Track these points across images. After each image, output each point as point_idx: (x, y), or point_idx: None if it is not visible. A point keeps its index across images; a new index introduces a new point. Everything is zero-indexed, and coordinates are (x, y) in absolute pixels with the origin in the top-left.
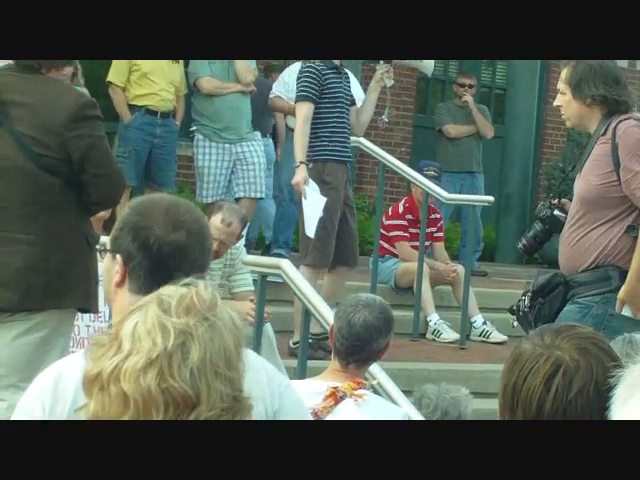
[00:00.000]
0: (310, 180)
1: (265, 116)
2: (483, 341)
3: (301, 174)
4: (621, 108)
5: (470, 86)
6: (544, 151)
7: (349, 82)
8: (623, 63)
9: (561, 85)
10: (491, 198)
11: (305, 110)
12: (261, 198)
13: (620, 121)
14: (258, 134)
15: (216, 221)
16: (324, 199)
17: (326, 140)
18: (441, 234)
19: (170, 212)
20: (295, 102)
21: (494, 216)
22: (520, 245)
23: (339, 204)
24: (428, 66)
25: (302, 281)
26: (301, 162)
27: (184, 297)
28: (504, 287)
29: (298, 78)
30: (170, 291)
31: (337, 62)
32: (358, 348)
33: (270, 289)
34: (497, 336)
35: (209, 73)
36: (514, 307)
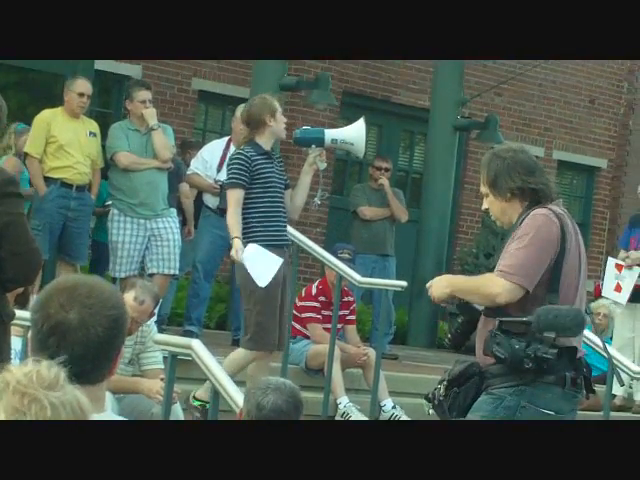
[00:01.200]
0: (255, 245)
1: (173, 192)
2: None
3: (235, 246)
4: (540, 197)
5: (386, 169)
6: (458, 237)
7: (282, 166)
8: (539, 152)
9: (482, 188)
10: (404, 283)
11: (236, 195)
12: (174, 275)
13: (534, 209)
14: (174, 211)
15: (129, 298)
16: (278, 259)
17: (258, 226)
18: (353, 317)
19: (67, 292)
20: (226, 189)
21: (407, 299)
22: (446, 340)
23: (277, 289)
24: (359, 147)
25: (212, 361)
26: (236, 237)
27: (25, 375)
28: (415, 371)
29: (228, 165)
30: (13, 369)
31: (268, 148)
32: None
33: (181, 366)
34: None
35: (127, 148)
36: (430, 395)
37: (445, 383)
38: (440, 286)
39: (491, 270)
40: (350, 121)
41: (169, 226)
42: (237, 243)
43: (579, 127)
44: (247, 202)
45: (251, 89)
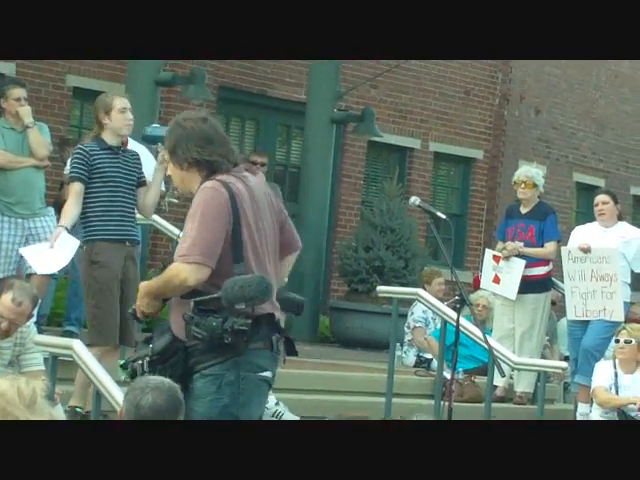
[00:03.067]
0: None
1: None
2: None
3: (56, 232)
4: (216, 168)
5: (262, 164)
6: (338, 230)
7: (134, 162)
8: (416, 143)
9: (166, 156)
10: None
11: (75, 188)
12: (53, 275)
13: (205, 181)
14: (51, 210)
15: (6, 300)
16: (73, 243)
17: (95, 219)
18: None
19: None
20: (67, 183)
21: None
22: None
23: (114, 282)
24: None
25: (93, 361)
26: (61, 225)
27: (5, 393)
28: (297, 367)
29: (71, 160)
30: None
31: (113, 143)
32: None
33: (61, 367)
34: (289, 416)
35: (2, 146)
36: (129, 367)
37: (148, 359)
38: (141, 301)
39: (371, 264)
40: (227, 116)
41: (46, 225)
42: (58, 230)
43: (455, 118)
44: (86, 196)
45: (126, 85)
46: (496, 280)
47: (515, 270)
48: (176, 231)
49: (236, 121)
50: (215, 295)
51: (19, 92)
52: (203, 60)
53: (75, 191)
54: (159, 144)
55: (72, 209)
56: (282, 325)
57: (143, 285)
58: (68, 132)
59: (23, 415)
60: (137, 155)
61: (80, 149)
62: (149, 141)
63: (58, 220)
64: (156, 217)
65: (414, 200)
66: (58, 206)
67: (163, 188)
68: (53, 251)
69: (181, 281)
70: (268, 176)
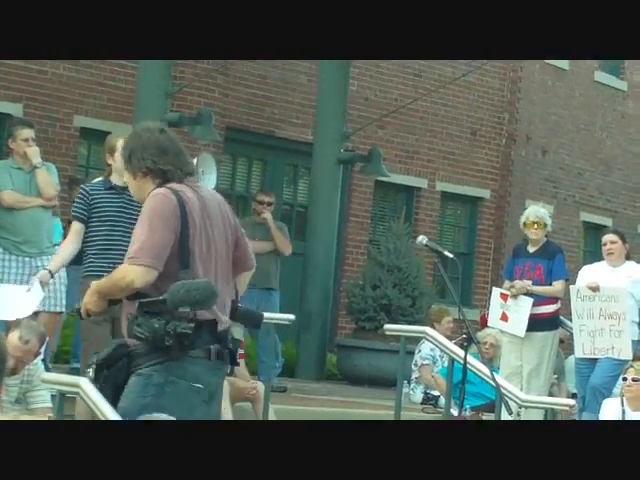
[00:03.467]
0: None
1: None
2: None
3: (38, 274)
4: (169, 178)
5: (269, 203)
6: (345, 269)
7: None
8: (423, 183)
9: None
10: (292, 316)
11: (73, 227)
12: (61, 312)
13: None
14: (58, 248)
15: (13, 338)
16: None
17: (92, 257)
18: (242, 351)
19: None
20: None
21: (294, 332)
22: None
23: (100, 317)
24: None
25: (101, 400)
26: (47, 268)
27: None
28: (304, 404)
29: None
30: None
31: (121, 183)
32: None
33: (68, 404)
34: None
35: (10, 186)
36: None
37: (94, 366)
38: (89, 298)
39: (378, 302)
40: (234, 156)
41: None
42: (40, 273)
43: (461, 158)
44: (86, 234)
45: (133, 126)
46: (504, 318)
47: (523, 308)
48: None
49: (243, 161)
50: (160, 298)
51: (27, 133)
52: (210, 97)
53: (73, 230)
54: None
55: (68, 247)
56: (233, 336)
57: (93, 283)
58: (75, 172)
59: None
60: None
61: (82, 189)
62: None
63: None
64: None
65: (421, 239)
66: None
67: None
68: (24, 297)
69: (128, 283)
70: (275, 215)
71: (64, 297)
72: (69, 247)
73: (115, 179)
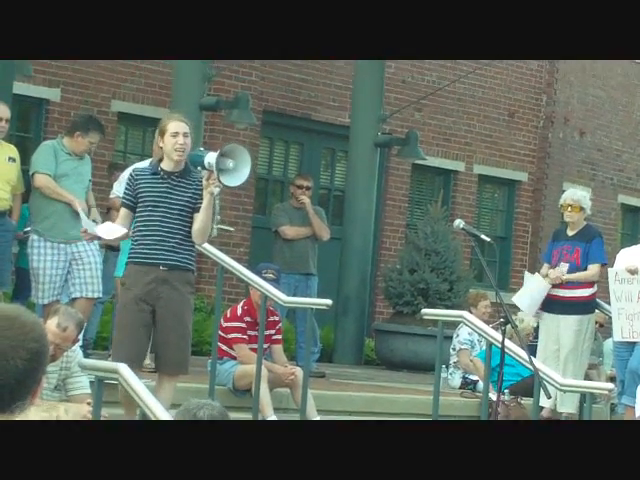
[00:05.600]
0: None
1: None
2: None
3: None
4: None
5: (307, 188)
6: (382, 253)
7: (188, 187)
8: (460, 166)
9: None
10: (329, 301)
11: (120, 213)
12: (98, 298)
13: None
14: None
15: (52, 325)
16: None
17: (134, 242)
18: (279, 336)
19: None
20: (113, 207)
21: (332, 317)
22: None
23: (133, 304)
24: (215, 172)
25: (139, 385)
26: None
27: None
28: (342, 389)
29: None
30: (33, 416)
31: (166, 167)
32: None
33: (107, 390)
34: None
35: (51, 171)
36: None
37: None
38: None
39: (416, 287)
40: (271, 140)
41: (89, 249)
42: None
43: (499, 141)
44: (135, 219)
45: (171, 110)
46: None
47: (540, 292)
48: (221, 255)
49: (280, 145)
50: None
51: (97, 138)
52: (247, 81)
53: (120, 215)
54: (198, 168)
55: (117, 227)
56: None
57: None
58: (113, 157)
59: None
60: (200, 181)
61: (130, 174)
62: (191, 164)
63: (107, 250)
64: None
65: (458, 223)
66: None
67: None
68: (109, 225)
69: None
70: (312, 200)
71: (100, 282)
72: (119, 229)
73: (164, 163)
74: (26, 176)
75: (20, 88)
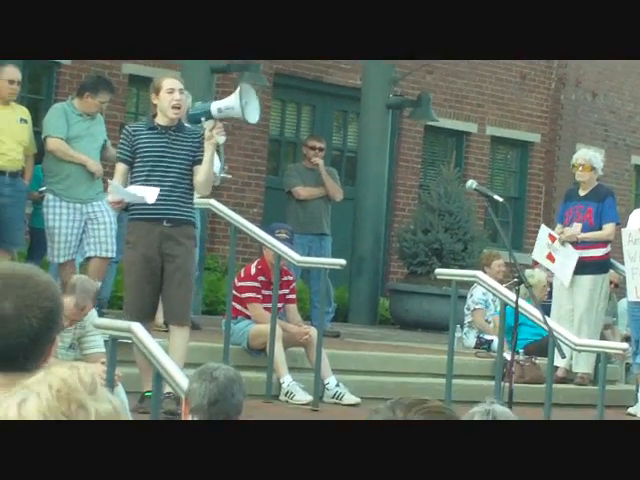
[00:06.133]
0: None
1: None
2: (336, 403)
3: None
4: None
5: (320, 149)
6: (395, 214)
7: (187, 141)
8: (473, 127)
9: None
10: (343, 261)
11: (117, 168)
12: (112, 257)
13: None
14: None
15: (69, 304)
16: (152, 190)
17: None
18: (294, 296)
19: (2, 281)
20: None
21: (346, 277)
22: None
23: (139, 262)
24: (238, 110)
25: (153, 344)
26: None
27: (67, 380)
28: (357, 348)
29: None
30: (53, 373)
31: (165, 123)
32: (219, 402)
33: (121, 349)
34: (350, 398)
35: (62, 134)
36: None
37: None
38: None
39: (430, 247)
40: (283, 102)
41: (104, 209)
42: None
43: (511, 103)
44: (132, 174)
45: (182, 72)
46: (550, 257)
47: (570, 259)
48: (234, 215)
49: (292, 107)
50: None
51: (106, 98)
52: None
53: (117, 171)
54: (202, 119)
55: (115, 184)
56: None
57: None
58: (125, 119)
59: (86, 401)
60: (195, 134)
61: (125, 129)
62: (192, 120)
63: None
64: (213, 201)
65: (471, 183)
66: None
67: (218, 164)
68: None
69: None
70: (325, 161)
71: (114, 242)
72: (117, 184)
73: (159, 119)
74: (38, 137)
75: None
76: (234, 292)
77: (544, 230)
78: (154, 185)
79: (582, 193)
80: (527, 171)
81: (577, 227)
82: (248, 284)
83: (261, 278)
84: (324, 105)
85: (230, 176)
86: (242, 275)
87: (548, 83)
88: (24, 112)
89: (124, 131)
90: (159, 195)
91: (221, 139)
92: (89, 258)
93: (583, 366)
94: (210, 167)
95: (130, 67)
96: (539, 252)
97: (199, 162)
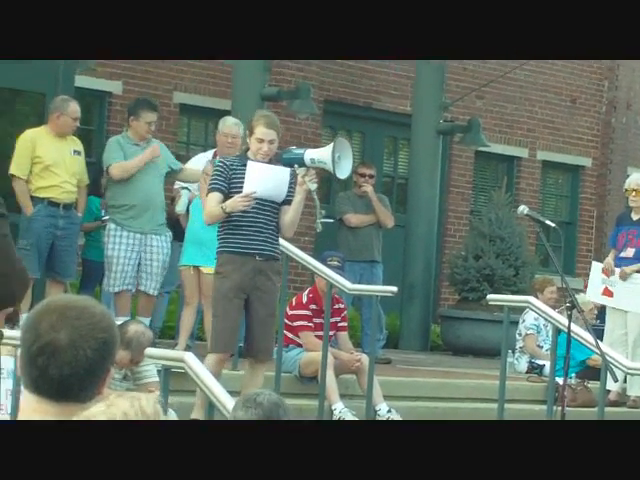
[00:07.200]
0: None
1: None
2: None
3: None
4: None
5: (370, 176)
6: (446, 240)
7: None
8: (524, 152)
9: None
10: (394, 288)
11: (213, 197)
12: (166, 290)
13: None
14: (169, 231)
15: (125, 358)
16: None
17: (226, 232)
18: (345, 324)
19: (58, 312)
20: (207, 194)
21: (398, 304)
22: None
23: (233, 292)
24: (330, 167)
25: (205, 373)
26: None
27: (129, 412)
28: (408, 375)
29: (212, 172)
30: (116, 406)
31: (256, 157)
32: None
33: (174, 379)
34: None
35: (122, 159)
36: None
37: None
38: None
39: (481, 273)
40: (333, 129)
41: (161, 245)
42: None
43: (562, 127)
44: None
45: (233, 101)
46: (606, 293)
47: (634, 286)
48: (286, 244)
49: (342, 134)
50: None
51: (152, 117)
52: (307, 71)
53: (212, 199)
54: (296, 166)
55: (215, 209)
56: None
57: None
58: (177, 148)
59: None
60: (287, 174)
61: (220, 162)
62: (285, 164)
63: (172, 240)
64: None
65: (522, 209)
66: (170, 222)
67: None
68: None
69: None
70: (376, 188)
71: (160, 281)
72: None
73: (251, 154)
74: (91, 169)
75: (83, 81)
76: (286, 321)
77: (596, 266)
78: (249, 221)
79: (635, 217)
80: (578, 195)
81: (630, 252)
82: (300, 312)
83: (313, 306)
84: (374, 132)
85: (332, 220)
86: (294, 304)
87: (599, 107)
88: (77, 144)
89: (219, 163)
90: (254, 230)
91: (313, 186)
92: (138, 291)
93: (637, 389)
94: (299, 210)
95: (181, 96)
96: (594, 290)
97: (288, 202)
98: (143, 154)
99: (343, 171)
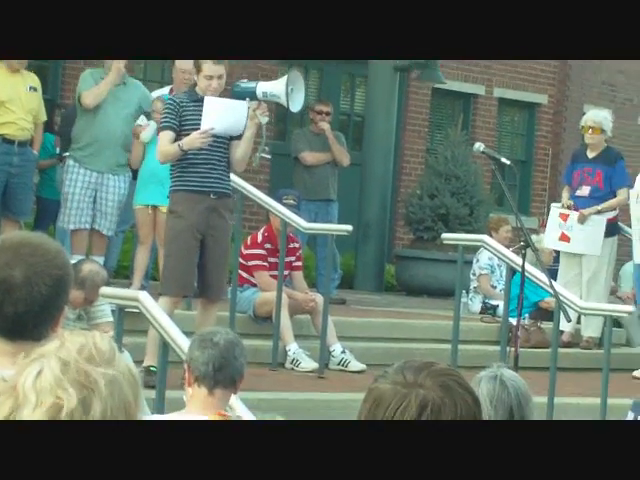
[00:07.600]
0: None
1: None
2: (342, 370)
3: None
4: None
5: (327, 113)
6: (402, 178)
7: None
8: (480, 90)
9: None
10: (349, 227)
11: (165, 136)
12: (120, 229)
13: None
14: (129, 173)
15: (79, 297)
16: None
17: (179, 171)
18: (300, 263)
19: (12, 250)
20: (158, 132)
21: (353, 244)
22: None
23: (188, 233)
24: (284, 101)
25: (160, 313)
26: (179, 144)
27: (83, 348)
28: (363, 315)
29: (162, 110)
30: (70, 342)
31: (206, 94)
32: (224, 367)
33: (128, 319)
34: (356, 365)
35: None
36: None
37: None
38: None
39: (436, 212)
40: (290, 66)
41: (117, 185)
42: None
43: (519, 64)
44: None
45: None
46: (564, 238)
47: (598, 227)
48: (241, 182)
49: (299, 71)
50: None
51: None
52: None
53: (165, 139)
54: (247, 99)
55: (168, 147)
56: None
57: None
58: None
59: (103, 371)
60: (244, 108)
61: (171, 99)
62: (237, 97)
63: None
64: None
65: (478, 146)
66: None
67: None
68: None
69: None
70: (332, 125)
71: (115, 222)
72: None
73: (200, 90)
74: (46, 105)
75: None
76: (240, 260)
77: (554, 210)
78: (203, 159)
79: (591, 155)
80: (534, 133)
81: (585, 190)
82: (254, 252)
83: (267, 245)
84: (331, 68)
85: (269, 156)
86: (248, 243)
87: None
88: (33, 79)
89: (169, 101)
90: (208, 168)
91: (264, 120)
92: (92, 229)
93: (591, 330)
94: (249, 145)
95: None
96: (551, 236)
97: (238, 137)
98: (108, 74)
99: (296, 104)
